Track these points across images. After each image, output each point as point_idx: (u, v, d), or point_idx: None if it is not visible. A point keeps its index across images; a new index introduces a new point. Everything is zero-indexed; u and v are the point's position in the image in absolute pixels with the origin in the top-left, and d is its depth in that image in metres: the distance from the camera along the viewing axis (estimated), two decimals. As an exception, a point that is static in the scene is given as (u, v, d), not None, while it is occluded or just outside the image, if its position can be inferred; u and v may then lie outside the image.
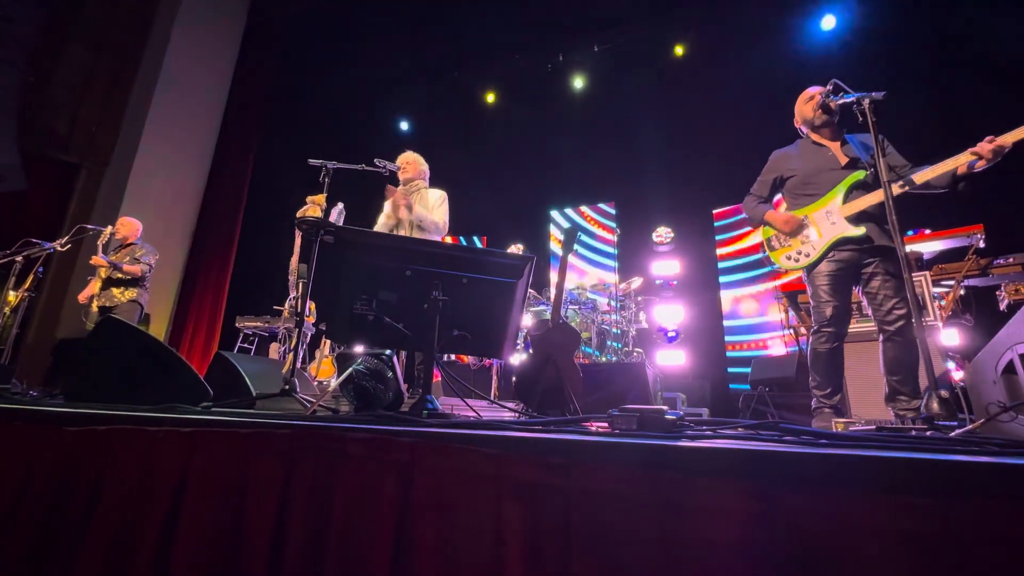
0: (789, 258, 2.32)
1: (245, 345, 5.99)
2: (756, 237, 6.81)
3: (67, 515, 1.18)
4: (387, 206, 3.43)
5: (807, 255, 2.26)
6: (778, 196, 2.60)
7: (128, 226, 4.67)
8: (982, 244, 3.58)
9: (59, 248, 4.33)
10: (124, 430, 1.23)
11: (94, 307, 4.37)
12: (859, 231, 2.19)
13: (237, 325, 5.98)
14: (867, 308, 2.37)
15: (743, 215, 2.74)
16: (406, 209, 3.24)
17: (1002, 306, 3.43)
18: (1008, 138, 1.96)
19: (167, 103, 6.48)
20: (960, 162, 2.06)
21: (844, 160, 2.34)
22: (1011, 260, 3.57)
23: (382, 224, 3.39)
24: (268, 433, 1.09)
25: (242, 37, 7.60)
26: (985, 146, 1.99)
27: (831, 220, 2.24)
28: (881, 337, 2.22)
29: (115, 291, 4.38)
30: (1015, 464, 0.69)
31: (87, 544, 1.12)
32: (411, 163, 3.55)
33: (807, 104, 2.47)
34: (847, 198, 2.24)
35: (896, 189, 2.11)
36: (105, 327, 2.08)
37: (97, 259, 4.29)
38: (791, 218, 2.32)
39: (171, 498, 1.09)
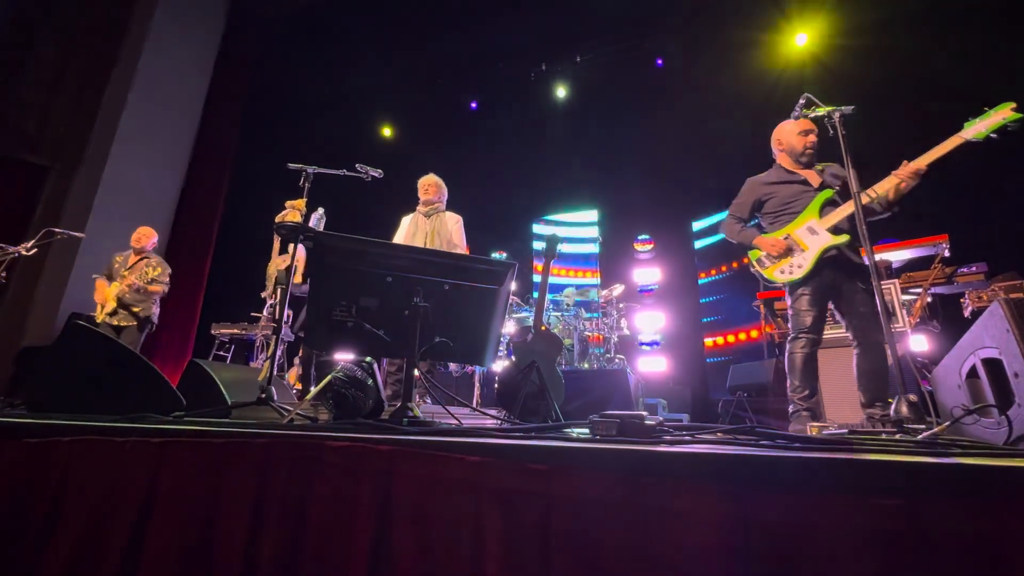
0: (783, 272, 2.46)
1: (221, 353, 5.85)
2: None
3: (25, 532, 1.13)
4: (405, 220, 3.65)
5: (799, 266, 2.41)
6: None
7: (148, 236, 4.66)
8: (947, 253, 3.72)
9: (25, 252, 4.17)
10: (89, 441, 1.18)
11: (100, 319, 4.28)
12: (844, 238, 2.36)
13: (213, 332, 5.83)
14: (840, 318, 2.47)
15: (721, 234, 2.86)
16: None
17: (966, 312, 3.56)
18: (922, 161, 2.22)
19: (142, 105, 6.32)
20: (887, 187, 2.29)
21: (817, 181, 2.54)
22: (974, 269, 3.73)
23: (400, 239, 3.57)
24: (242, 443, 1.06)
25: (221, 39, 7.48)
26: (903, 170, 2.25)
27: (814, 233, 2.42)
28: (857, 348, 2.37)
29: (135, 309, 4.36)
30: (977, 465, 0.72)
31: (45, 561, 1.07)
32: (433, 185, 3.70)
33: (797, 136, 2.61)
34: (822, 213, 2.44)
35: (829, 220, 2.39)
36: (72, 334, 2.01)
37: (125, 285, 4.28)
38: (778, 242, 2.49)
39: (137, 512, 1.05)
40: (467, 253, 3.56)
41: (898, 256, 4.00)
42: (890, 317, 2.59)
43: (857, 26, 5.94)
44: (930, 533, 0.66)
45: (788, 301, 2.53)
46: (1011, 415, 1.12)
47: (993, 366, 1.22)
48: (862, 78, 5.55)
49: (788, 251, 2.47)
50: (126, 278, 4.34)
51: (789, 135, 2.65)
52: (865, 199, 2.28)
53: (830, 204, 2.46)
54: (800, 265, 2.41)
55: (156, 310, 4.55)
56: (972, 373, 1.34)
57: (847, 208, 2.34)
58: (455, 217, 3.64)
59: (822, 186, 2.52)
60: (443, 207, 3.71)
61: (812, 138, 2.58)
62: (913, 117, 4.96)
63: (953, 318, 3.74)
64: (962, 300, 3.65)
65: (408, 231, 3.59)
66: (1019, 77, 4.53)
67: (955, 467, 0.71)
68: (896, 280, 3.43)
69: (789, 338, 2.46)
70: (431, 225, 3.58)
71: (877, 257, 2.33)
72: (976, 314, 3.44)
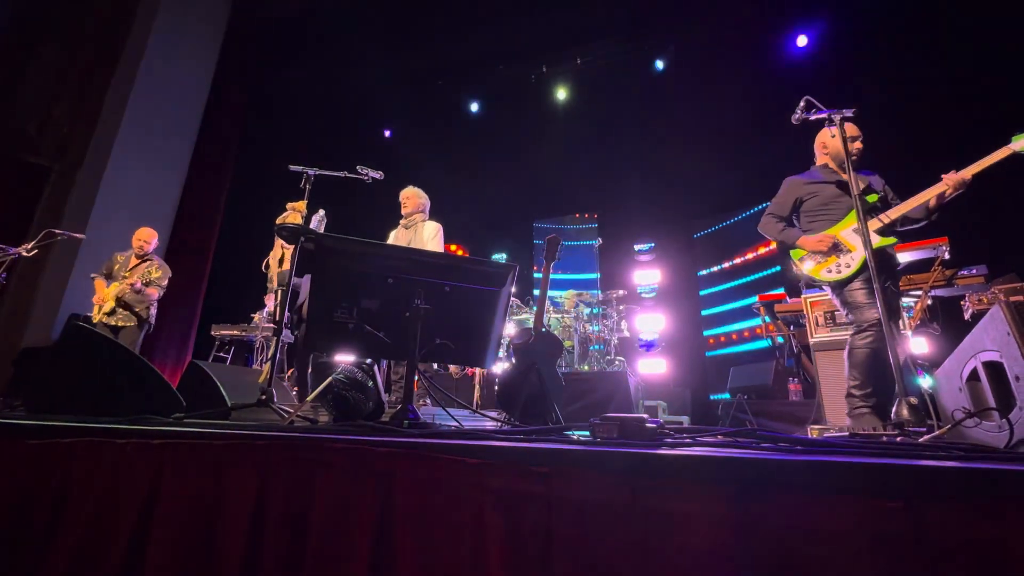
0: (830, 271, 2.49)
1: (221, 354, 5.84)
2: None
3: (28, 533, 1.13)
4: (391, 235, 3.69)
5: (847, 266, 2.44)
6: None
7: (150, 238, 4.67)
8: (947, 256, 3.72)
9: (25, 253, 4.17)
10: (90, 443, 1.18)
11: (96, 319, 4.28)
12: (891, 239, 2.46)
13: (213, 333, 5.83)
14: (842, 316, 2.48)
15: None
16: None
17: (966, 315, 3.56)
18: (968, 171, 2.27)
19: (144, 106, 6.33)
20: (931, 194, 2.35)
21: (860, 187, 2.55)
22: (974, 271, 3.72)
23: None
24: (243, 444, 1.06)
25: (223, 40, 7.49)
26: (951, 179, 2.30)
27: (861, 235, 2.46)
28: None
29: (131, 308, 4.35)
30: (978, 468, 0.72)
31: (49, 562, 1.07)
32: (410, 198, 3.73)
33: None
34: (867, 217, 2.47)
35: (877, 223, 2.46)
36: (72, 335, 2.01)
37: (131, 281, 4.30)
38: (825, 237, 2.52)
39: (140, 513, 1.05)
40: None
41: (899, 258, 3.99)
42: (890, 317, 2.61)
43: (858, 28, 5.96)
44: (932, 536, 0.66)
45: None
46: (1012, 418, 1.12)
47: (994, 369, 1.22)
48: (862, 81, 5.56)
49: (834, 250, 2.51)
50: (128, 278, 4.34)
51: (836, 141, 2.63)
52: (909, 207, 2.41)
53: (872, 211, 2.51)
54: (848, 265, 2.44)
55: (154, 311, 4.55)
56: (973, 376, 1.33)
57: (893, 212, 2.44)
58: (434, 225, 3.66)
59: (866, 191, 2.56)
60: (423, 217, 3.75)
61: (859, 145, 2.59)
62: (913, 120, 4.98)
63: (953, 321, 3.73)
64: (962, 303, 3.64)
65: (392, 239, 3.70)
66: (1019, 80, 4.54)
67: (957, 470, 0.71)
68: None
69: (851, 332, 2.45)
70: (408, 236, 3.65)
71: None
72: (976, 317, 3.43)
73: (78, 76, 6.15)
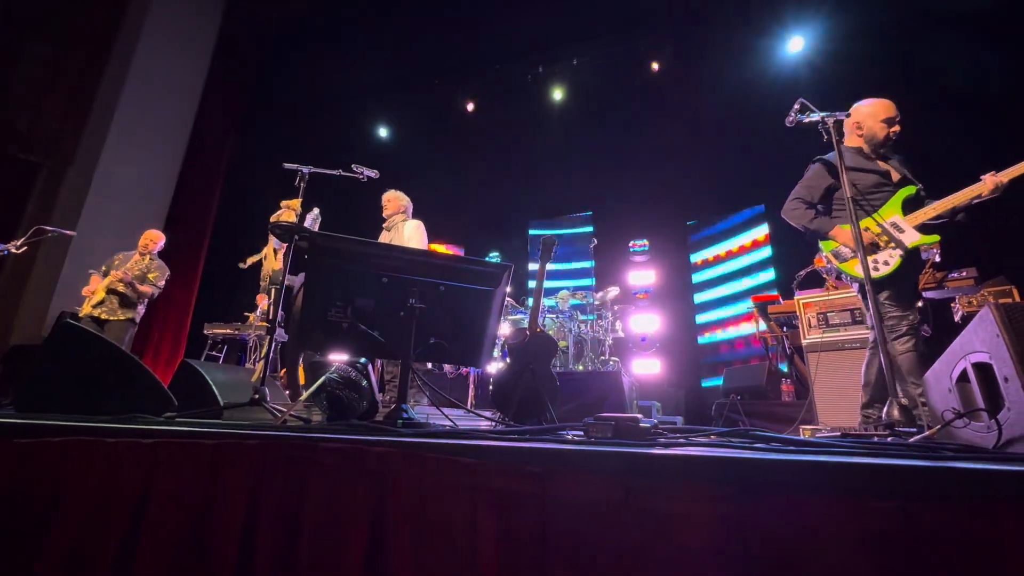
0: (867, 268, 2.25)
1: (213, 353, 5.80)
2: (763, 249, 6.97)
3: (18, 533, 1.11)
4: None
5: (886, 263, 2.24)
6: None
7: (155, 240, 4.66)
8: (938, 258, 3.76)
9: (14, 250, 4.13)
10: (80, 441, 1.17)
11: (83, 312, 4.23)
12: (934, 237, 2.26)
13: (205, 332, 5.79)
14: (836, 316, 2.46)
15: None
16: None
17: (956, 317, 3.60)
18: (1005, 175, 2.14)
19: (136, 103, 6.27)
20: (971, 194, 2.20)
21: (897, 176, 2.40)
22: (964, 274, 3.76)
23: None
24: (235, 444, 1.06)
25: (217, 37, 7.44)
26: (990, 180, 2.16)
27: (899, 230, 2.28)
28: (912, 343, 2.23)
29: (117, 304, 4.30)
30: (967, 468, 0.73)
31: (41, 563, 1.06)
32: (391, 200, 3.79)
33: (880, 123, 2.43)
34: (905, 209, 2.31)
35: (915, 219, 2.28)
36: (62, 333, 1.99)
37: (117, 274, 4.26)
38: (864, 235, 2.25)
39: (131, 513, 1.04)
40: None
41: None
42: (882, 321, 2.58)
43: (851, 31, 6.01)
44: (922, 535, 0.67)
45: (880, 296, 2.31)
46: (1000, 419, 1.14)
47: (983, 370, 1.23)
48: (856, 83, 5.61)
49: (873, 246, 2.28)
50: (119, 271, 4.31)
51: (871, 119, 2.45)
52: (945, 206, 2.25)
53: (912, 202, 2.33)
54: (887, 262, 2.24)
55: (141, 309, 4.50)
56: (963, 377, 1.35)
57: (936, 207, 2.25)
58: (414, 223, 3.72)
59: (903, 181, 2.37)
60: (404, 217, 3.79)
61: (897, 128, 2.41)
62: (907, 122, 5.03)
63: (944, 322, 3.77)
64: (952, 305, 3.68)
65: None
66: (1012, 81, 4.60)
67: (946, 470, 0.72)
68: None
69: (891, 337, 2.23)
70: (390, 237, 3.70)
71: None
72: (966, 319, 3.48)
73: (69, 72, 6.09)
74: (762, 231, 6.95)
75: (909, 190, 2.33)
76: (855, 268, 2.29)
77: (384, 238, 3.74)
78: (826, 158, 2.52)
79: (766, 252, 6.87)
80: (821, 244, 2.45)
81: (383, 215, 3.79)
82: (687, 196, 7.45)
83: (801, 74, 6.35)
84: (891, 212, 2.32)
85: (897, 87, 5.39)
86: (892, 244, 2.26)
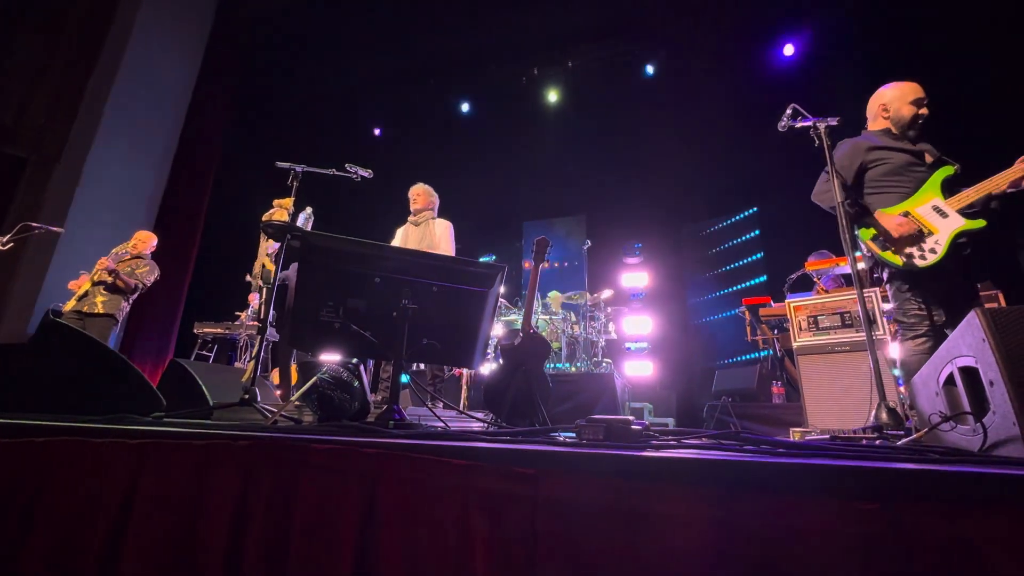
0: (912, 256, 2.13)
1: (204, 352, 5.75)
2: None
3: (-3, 535, 1.09)
4: (398, 232, 3.75)
5: (932, 251, 2.08)
6: None
7: (144, 242, 4.64)
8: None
9: (0, 246, 4.07)
10: (65, 442, 1.15)
11: (68, 307, 4.18)
12: (980, 222, 2.07)
13: (195, 331, 5.73)
14: (826, 320, 2.45)
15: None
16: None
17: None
18: None
19: (127, 98, 6.19)
20: (1006, 179, 2.06)
21: (931, 158, 2.28)
22: (951, 278, 3.81)
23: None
24: (224, 445, 1.05)
25: (210, 34, 7.37)
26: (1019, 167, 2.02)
27: (942, 214, 2.12)
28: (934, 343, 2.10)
29: (99, 298, 4.24)
30: (953, 472, 0.74)
31: (21, 567, 1.04)
32: (420, 194, 3.76)
33: (908, 105, 2.33)
34: (945, 192, 2.16)
35: (957, 203, 2.12)
36: (48, 331, 1.96)
37: (105, 261, 4.23)
38: (906, 222, 2.14)
39: (116, 515, 1.03)
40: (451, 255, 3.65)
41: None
42: (871, 325, 2.57)
43: (843, 37, 6.08)
44: (907, 537, 0.67)
45: (891, 289, 2.23)
46: (986, 422, 1.15)
47: (969, 374, 1.25)
48: (847, 89, 5.67)
49: (917, 233, 2.12)
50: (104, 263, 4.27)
51: (899, 102, 2.34)
52: (981, 191, 2.10)
53: (951, 183, 2.18)
54: (933, 250, 2.07)
55: (125, 307, 4.45)
56: (950, 381, 1.37)
57: (980, 189, 2.09)
58: (444, 223, 3.71)
59: (939, 162, 2.24)
60: (432, 214, 3.77)
61: (925, 110, 2.30)
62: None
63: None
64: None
65: (400, 236, 3.70)
66: (1003, 86, 4.67)
67: (932, 473, 0.73)
68: (877, 288, 3.50)
69: (909, 336, 2.13)
70: (420, 233, 3.66)
71: (860, 266, 2.34)
72: (953, 323, 3.52)
73: (59, 65, 6.00)
74: (754, 234, 7.01)
75: (947, 170, 2.18)
76: (899, 257, 2.14)
77: (412, 232, 3.69)
78: (853, 140, 2.41)
79: (758, 255, 6.93)
80: (859, 231, 2.29)
81: (411, 208, 3.75)
82: (680, 198, 7.49)
83: (793, 79, 6.42)
84: (930, 195, 2.15)
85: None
86: (935, 230, 2.09)
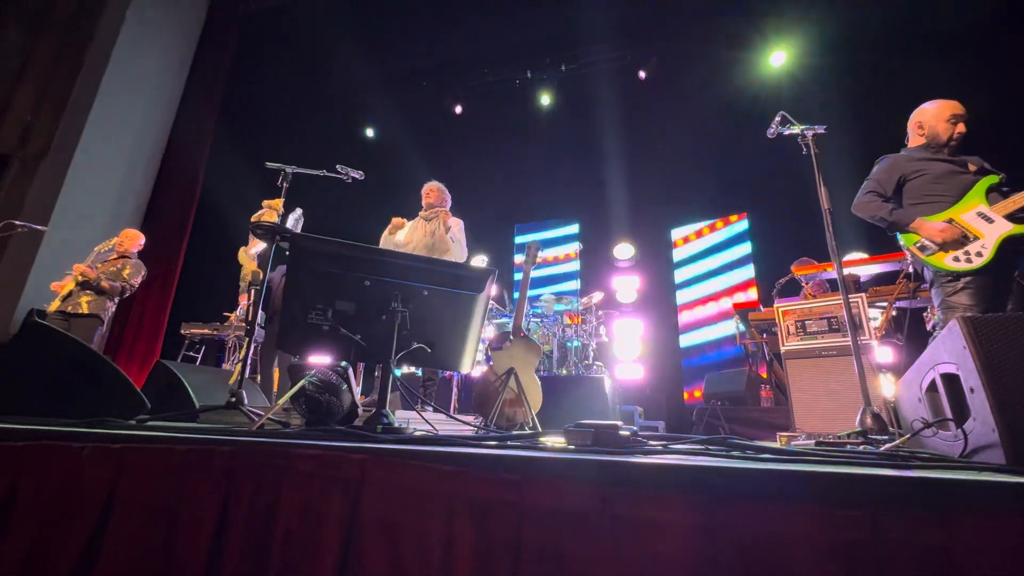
0: (957, 260, 2.15)
1: (191, 354, 5.67)
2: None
3: (-29, 542, 1.07)
4: (408, 223, 3.78)
5: (979, 255, 2.11)
6: None
7: (131, 240, 4.56)
8: (911, 269, 3.87)
9: (-18, 245, 3.99)
10: (44, 446, 1.13)
11: (52, 308, 4.10)
12: None
13: (183, 332, 5.66)
14: (813, 324, 2.48)
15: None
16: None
17: (928, 326, 3.71)
18: None
19: (115, 96, 6.11)
20: None
21: (973, 168, 2.32)
22: (936, 285, 3.88)
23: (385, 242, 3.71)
24: (207, 450, 1.03)
25: (200, 32, 7.31)
26: None
27: (988, 220, 2.15)
28: None
29: (84, 299, 4.17)
30: (934, 478, 0.75)
31: (-7, 574, 1.02)
32: (434, 191, 3.91)
33: (944, 123, 2.37)
34: (990, 199, 2.20)
35: (1005, 208, 2.14)
36: (30, 332, 1.92)
37: (81, 267, 4.14)
38: (949, 228, 2.17)
39: (94, 522, 1.01)
40: (464, 252, 3.77)
41: (866, 271, 4.14)
42: (857, 329, 2.60)
43: (832, 45, 6.17)
44: (889, 543, 0.68)
45: (936, 294, 2.25)
46: (967, 429, 1.17)
47: (951, 381, 1.27)
48: (836, 97, 5.76)
49: (962, 238, 2.16)
50: (85, 264, 4.19)
51: (934, 119, 2.39)
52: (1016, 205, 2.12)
53: (995, 191, 2.22)
54: (980, 253, 2.10)
55: (111, 307, 4.38)
56: (932, 387, 1.39)
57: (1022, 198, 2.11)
58: (457, 221, 3.84)
59: (982, 171, 2.28)
60: (444, 210, 3.90)
61: (962, 128, 2.35)
62: (886, 135, 5.17)
63: (917, 332, 3.88)
64: (925, 315, 3.79)
65: (409, 228, 3.77)
66: (991, 95, 4.76)
67: (914, 480, 0.74)
68: (863, 294, 3.55)
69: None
70: (432, 227, 3.75)
71: (845, 272, 2.37)
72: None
73: (45, 61, 5.91)
74: (744, 239, 7.08)
75: (992, 179, 2.22)
76: (944, 261, 2.16)
77: (422, 226, 3.75)
78: (894, 155, 2.49)
79: (748, 261, 6.99)
80: (902, 238, 2.34)
81: (423, 203, 3.84)
82: (672, 204, 7.54)
83: (783, 87, 6.50)
84: (975, 202, 2.19)
85: (879, 101, 5.55)
86: (980, 235, 2.12)
